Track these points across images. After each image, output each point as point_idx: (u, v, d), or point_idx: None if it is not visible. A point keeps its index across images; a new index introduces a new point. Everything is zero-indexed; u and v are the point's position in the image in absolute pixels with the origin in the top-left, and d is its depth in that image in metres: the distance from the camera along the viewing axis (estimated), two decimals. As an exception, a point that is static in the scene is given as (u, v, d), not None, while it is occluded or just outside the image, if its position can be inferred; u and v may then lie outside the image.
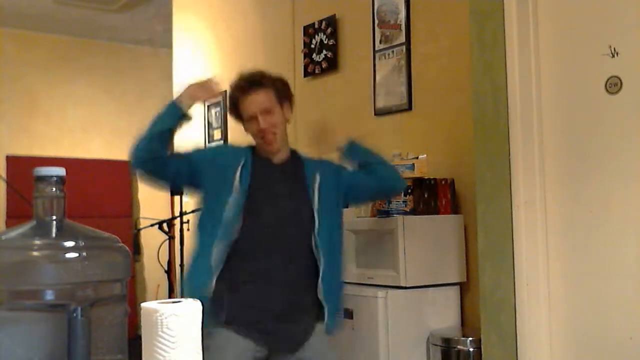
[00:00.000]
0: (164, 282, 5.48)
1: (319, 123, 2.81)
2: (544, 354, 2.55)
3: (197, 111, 5.08)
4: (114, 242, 0.98)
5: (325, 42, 4.11)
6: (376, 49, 3.75)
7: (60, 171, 0.96)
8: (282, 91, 2.47)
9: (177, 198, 5.28)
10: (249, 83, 2.43)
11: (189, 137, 4.79)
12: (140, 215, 7.25)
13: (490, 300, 2.64)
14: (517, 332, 2.57)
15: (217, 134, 5.06)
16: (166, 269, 5.21)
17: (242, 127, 2.52)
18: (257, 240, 2.32)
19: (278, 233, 2.35)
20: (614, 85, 2.39)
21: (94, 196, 6.84)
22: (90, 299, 0.90)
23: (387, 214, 2.98)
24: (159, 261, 5.10)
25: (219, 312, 2.26)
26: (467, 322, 3.10)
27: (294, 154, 2.54)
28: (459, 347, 2.83)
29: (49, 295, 0.89)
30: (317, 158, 2.57)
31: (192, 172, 2.41)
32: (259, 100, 2.40)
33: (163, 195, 6.46)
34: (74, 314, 0.88)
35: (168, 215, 5.47)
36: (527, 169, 2.59)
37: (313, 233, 2.35)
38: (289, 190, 2.44)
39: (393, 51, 3.65)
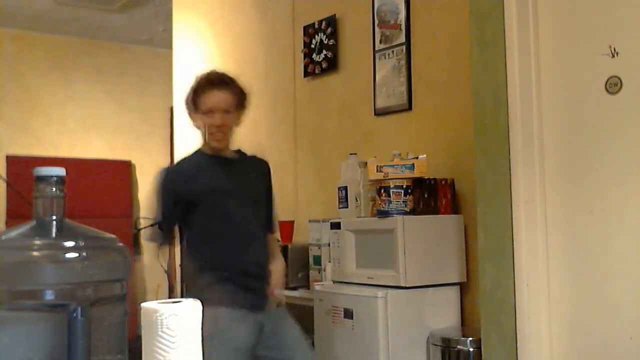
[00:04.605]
0: (164, 282, 5.48)
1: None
2: (544, 354, 2.55)
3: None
4: (114, 242, 0.98)
5: (325, 42, 4.11)
6: (376, 49, 3.75)
7: (60, 171, 0.96)
8: (242, 100, 2.70)
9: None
10: (219, 80, 2.66)
11: (186, 142, 4.79)
12: (140, 215, 7.25)
13: (490, 300, 2.64)
14: (517, 332, 2.57)
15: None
16: (166, 269, 5.22)
17: (191, 118, 2.71)
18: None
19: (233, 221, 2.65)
20: (614, 85, 2.39)
21: (94, 196, 6.83)
22: (90, 299, 0.90)
23: (387, 214, 2.98)
24: (159, 261, 5.10)
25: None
26: (467, 322, 3.10)
27: (239, 152, 2.77)
28: (459, 347, 2.83)
29: (49, 295, 0.89)
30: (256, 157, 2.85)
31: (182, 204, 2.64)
32: (223, 98, 2.62)
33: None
34: (74, 314, 0.88)
35: (168, 215, 5.46)
36: (527, 169, 2.58)
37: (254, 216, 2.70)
38: (238, 181, 2.69)
39: (393, 51, 3.65)
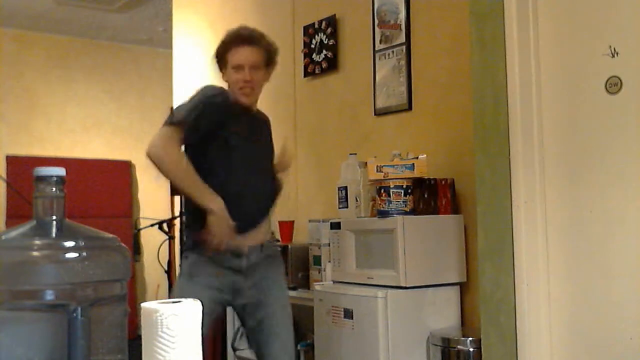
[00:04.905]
0: (164, 282, 5.48)
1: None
2: (544, 354, 2.55)
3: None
4: (114, 242, 0.98)
5: (325, 42, 4.11)
6: (376, 49, 3.75)
7: (60, 171, 0.96)
8: (271, 56, 2.72)
9: (177, 198, 5.29)
10: (249, 36, 2.67)
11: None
12: (140, 215, 7.26)
13: (490, 300, 2.64)
14: (517, 332, 2.57)
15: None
16: (166, 269, 5.21)
17: (220, 73, 2.73)
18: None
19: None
20: (614, 85, 2.39)
21: (94, 196, 6.84)
22: (90, 299, 0.90)
23: (387, 214, 2.98)
24: (159, 261, 5.10)
25: None
26: (467, 322, 3.10)
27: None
28: (459, 347, 2.83)
29: (49, 295, 0.89)
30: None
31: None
32: (252, 54, 2.64)
33: (163, 195, 6.49)
34: (74, 314, 0.88)
35: (168, 215, 5.48)
36: (527, 169, 2.58)
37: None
38: (259, 136, 2.77)
39: (393, 51, 3.65)
